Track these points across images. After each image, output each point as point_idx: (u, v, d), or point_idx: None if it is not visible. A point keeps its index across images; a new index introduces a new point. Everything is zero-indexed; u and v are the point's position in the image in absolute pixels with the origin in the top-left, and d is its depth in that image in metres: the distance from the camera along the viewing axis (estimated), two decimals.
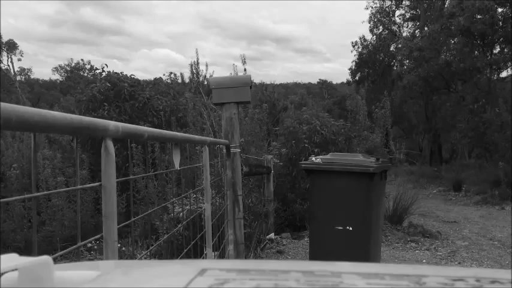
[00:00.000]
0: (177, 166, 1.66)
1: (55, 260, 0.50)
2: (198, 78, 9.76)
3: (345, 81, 28.17)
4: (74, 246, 0.94)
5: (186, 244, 2.14)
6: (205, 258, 2.34)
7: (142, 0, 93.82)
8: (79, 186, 0.95)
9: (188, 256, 2.06)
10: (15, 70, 39.19)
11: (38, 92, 40.35)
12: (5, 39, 36.42)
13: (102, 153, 0.99)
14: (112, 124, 0.97)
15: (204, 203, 2.33)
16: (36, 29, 77.40)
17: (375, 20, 21.39)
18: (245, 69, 8.08)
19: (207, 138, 2.54)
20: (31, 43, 76.41)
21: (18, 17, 74.18)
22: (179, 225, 3.51)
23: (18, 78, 39.47)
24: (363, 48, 22.18)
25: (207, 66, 13.99)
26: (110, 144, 0.99)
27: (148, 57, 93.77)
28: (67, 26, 79.28)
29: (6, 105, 0.61)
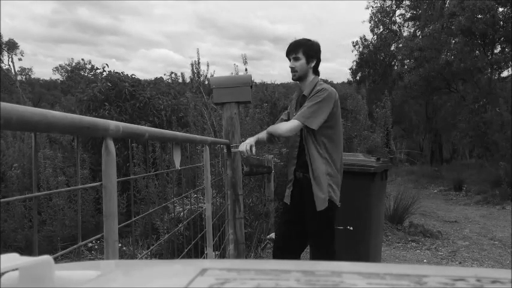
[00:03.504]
0: (177, 166, 1.66)
1: (56, 260, 0.50)
2: (199, 78, 9.77)
3: (345, 80, 28.20)
4: (75, 246, 0.95)
5: (186, 244, 2.15)
6: (206, 258, 2.34)
7: (140, 0, 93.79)
8: (80, 186, 0.95)
9: (189, 256, 2.06)
10: (16, 70, 39.25)
11: (39, 91, 40.39)
12: (4, 39, 36.47)
13: (103, 153, 0.99)
14: (113, 124, 0.97)
15: (204, 203, 2.33)
16: (33, 28, 77.35)
17: (376, 19, 21.39)
18: (246, 69, 8.08)
19: (208, 138, 2.54)
20: (29, 43, 76.33)
21: (15, 17, 74.10)
22: (180, 225, 3.52)
23: (19, 78, 39.52)
24: (363, 48, 22.19)
25: (208, 66, 14.01)
26: (111, 144, 0.99)
27: (147, 57, 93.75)
28: (64, 25, 79.16)
29: (6, 105, 0.61)
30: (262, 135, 2.80)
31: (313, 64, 2.69)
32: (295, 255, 2.79)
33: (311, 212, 2.65)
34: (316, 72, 2.73)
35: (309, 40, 2.71)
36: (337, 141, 2.67)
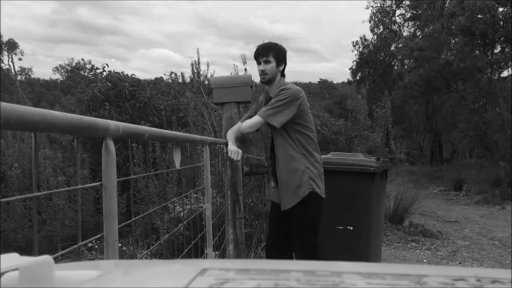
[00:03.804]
0: (177, 166, 1.66)
1: (55, 260, 0.50)
2: (199, 78, 9.76)
3: (345, 80, 28.22)
4: (74, 246, 0.95)
5: (186, 244, 2.15)
6: (206, 258, 2.34)
7: (139, 0, 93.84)
8: (79, 186, 0.95)
9: (189, 256, 2.06)
10: (16, 70, 39.25)
11: (39, 91, 40.36)
12: (4, 39, 36.46)
13: (103, 153, 0.99)
14: (113, 124, 0.97)
15: (204, 203, 2.33)
16: (33, 28, 77.33)
17: (376, 19, 21.39)
18: (245, 69, 8.07)
19: (208, 138, 2.54)
20: (28, 43, 76.35)
21: (15, 17, 74.10)
22: (180, 225, 3.52)
23: (19, 77, 39.51)
24: (363, 48, 22.18)
25: (208, 65, 13.99)
26: (111, 143, 0.99)
27: (147, 57, 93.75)
28: (64, 25, 79.13)
29: (6, 105, 0.61)
30: (236, 134, 2.81)
31: (281, 68, 2.72)
32: (287, 254, 2.78)
33: (292, 212, 2.66)
34: (283, 75, 2.76)
35: (277, 44, 2.73)
36: (311, 135, 2.68)
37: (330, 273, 0.48)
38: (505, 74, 15.79)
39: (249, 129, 2.68)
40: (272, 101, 2.62)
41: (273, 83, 2.71)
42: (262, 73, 2.67)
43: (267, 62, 2.65)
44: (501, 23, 12.93)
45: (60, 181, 6.20)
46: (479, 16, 12.52)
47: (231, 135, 2.80)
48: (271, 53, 2.65)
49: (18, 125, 0.64)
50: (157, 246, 3.80)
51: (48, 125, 0.71)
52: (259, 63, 2.68)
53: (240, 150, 2.68)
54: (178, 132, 1.70)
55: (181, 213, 3.98)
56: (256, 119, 2.63)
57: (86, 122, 0.85)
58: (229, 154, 2.69)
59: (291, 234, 2.71)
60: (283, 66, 2.73)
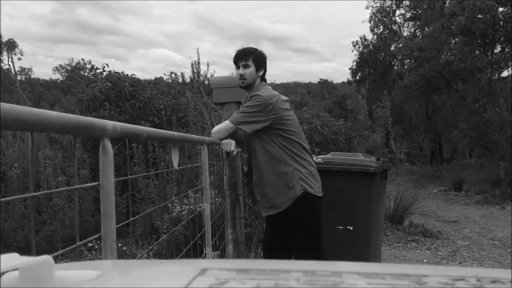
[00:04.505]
0: (175, 166, 1.66)
1: (55, 260, 0.50)
2: (199, 77, 9.75)
3: (344, 80, 28.24)
4: (72, 246, 0.95)
5: (186, 244, 2.15)
6: (205, 257, 2.34)
7: (139, 0, 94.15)
8: (77, 186, 0.95)
9: (188, 256, 2.06)
10: (16, 70, 39.27)
11: (39, 91, 40.36)
12: (3, 39, 36.48)
13: (100, 152, 0.99)
14: (110, 124, 0.97)
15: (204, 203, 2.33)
16: (32, 28, 77.49)
17: (376, 19, 21.38)
18: None
19: (206, 138, 2.53)
20: (28, 43, 76.58)
21: (14, 17, 74.27)
22: (178, 225, 3.52)
23: (18, 77, 39.53)
24: (363, 48, 22.18)
25: (208, 65, 13.96)
26: (108, 143, 0.99)
27: (147, 57, 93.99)
28: (63, 25, 79.33)
29: (3, 105, 0.61)
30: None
31: (261, 73, 2.69)
32: (285, 254, 2.72)
33: (288, 216, 2.61)
34: (263, 80, 2.73)
35: (257, 49, 2.71)
36: (294, 137, 2.62)
37: (330, 273, 0.48)
38: (505, 74, 15.80)
39: (217, 134, 2.63)
40: (242, 107, 2.60)
41: (252, 87, 2.67)
42: (241, 77, 2.64)
43: (246, 66, 2.63)
44: (501, 23, 12.92)
45: (60, 181, 6.19)
46: (479, 16, 12.51)
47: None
48: (251, 58, 2.63)
49: (15, 124, 0.64)
50: (156, 246, 3.80)
51: (44, 125, 0.71)
52: (238, 67, 2.65)
53: (232, 141, 2.64)
54: (176, 132, 1.70)
55: (182, 213, 3.98)
56: (226, 124, 2.59)
57: (83, 122, 0.85)
58: (222, 147, 2.66)
59: (290, 237, 2.65)
60: (262, 71, 2.70)
